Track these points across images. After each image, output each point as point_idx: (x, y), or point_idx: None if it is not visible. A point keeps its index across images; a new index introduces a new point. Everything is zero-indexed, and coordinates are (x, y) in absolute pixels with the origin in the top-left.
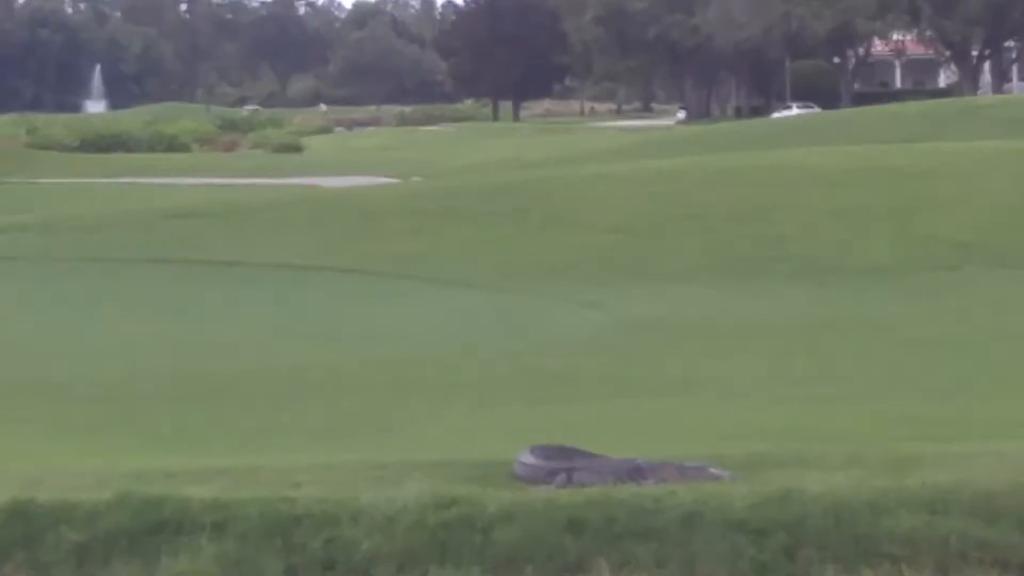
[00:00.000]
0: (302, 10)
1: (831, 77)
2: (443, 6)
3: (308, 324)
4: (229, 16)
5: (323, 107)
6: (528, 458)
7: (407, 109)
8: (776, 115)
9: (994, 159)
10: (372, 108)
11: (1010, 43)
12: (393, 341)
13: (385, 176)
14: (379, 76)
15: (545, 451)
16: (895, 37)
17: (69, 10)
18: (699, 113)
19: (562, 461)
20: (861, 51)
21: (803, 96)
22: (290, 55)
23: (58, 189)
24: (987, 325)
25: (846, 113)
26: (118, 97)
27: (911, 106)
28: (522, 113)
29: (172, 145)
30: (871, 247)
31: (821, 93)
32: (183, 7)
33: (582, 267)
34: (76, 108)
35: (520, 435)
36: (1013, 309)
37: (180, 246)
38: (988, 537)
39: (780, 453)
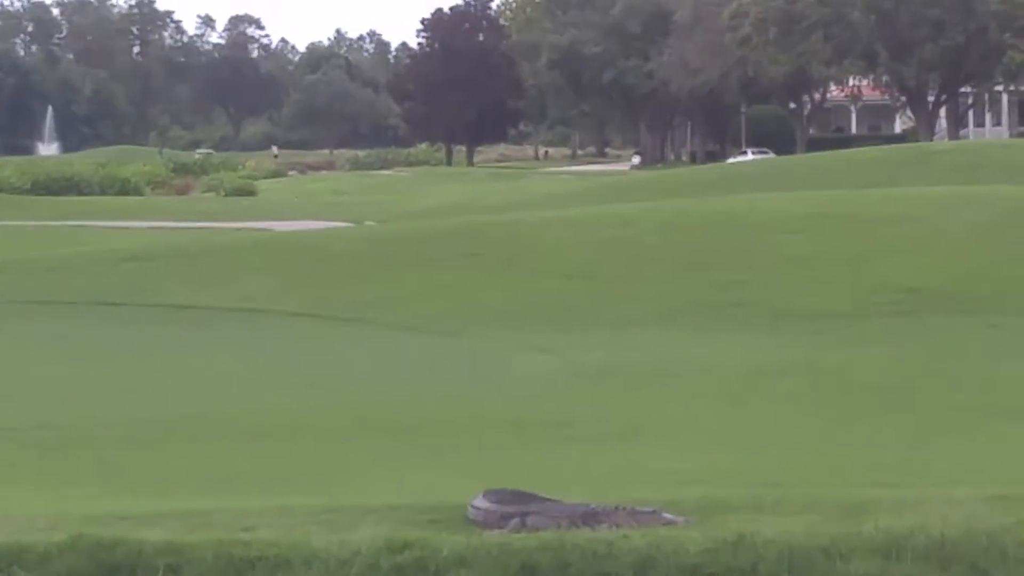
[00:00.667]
0: (255, 53)
1: (786, 123)
2: (397, 49)
3: (261, 368)
4: (182, 59)
5: (276, 151)
6: (482, 502)
7: (361, 153)
8: (731, 160)
9: (948, 204)
10: (326, 152)
11: (966, 89)
12: (346, 385)
13: (338, 220)
14: (333, 120)
15: (499, 495)
16: (851, 82)
17: (21, 52)
18: (654, 158)
19: (516, 505)
20: (817, 96)
21: (758, 142)
22: (243, 98)
23: (8, 232)
24: (941, 371)
25: (801, 159)
26: (70, 140)
27: (866, 152)
28: (476, 158)
29: (124, 188)
30: (825, 292)
31: (776, 139)
32: (135, 49)
33: (536, 312)
34: (28, 150)
35: (474, 479)
36: (966, 355)
37: (132, 289)
38: None
39: (734, 498)
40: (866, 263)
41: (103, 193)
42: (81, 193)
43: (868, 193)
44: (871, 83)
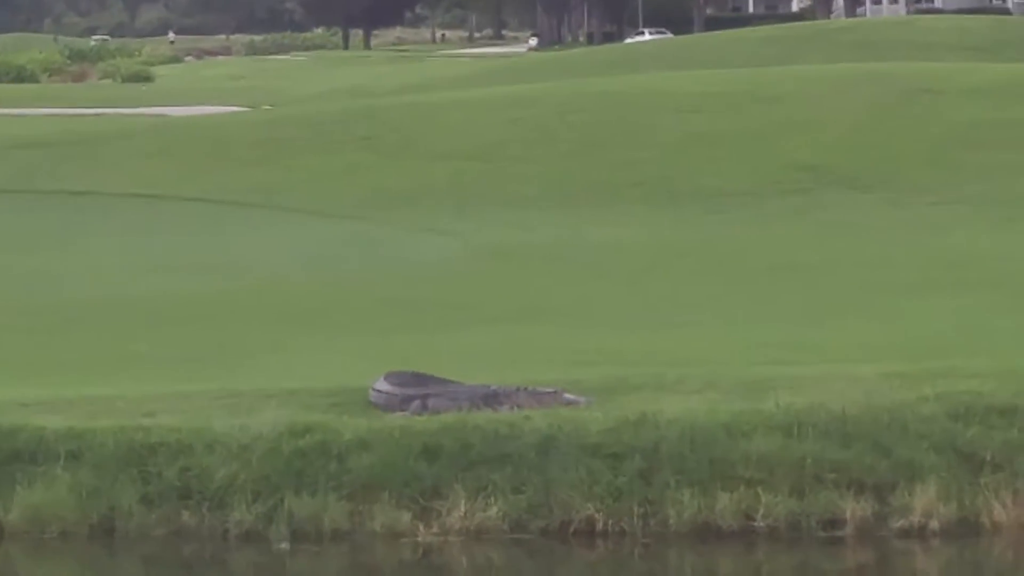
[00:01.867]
0: None
1: (683, 2)
2: None
3: (160, 254)
4: None
5: (172, 36)
6: (383, 385)
7: (257, 38)
8: (629, 41)
9: (846, 82)
10: (222, 37)
11: None
12: (245, 270)
13: (235, 105)
14: (229, 5)
15: (400, 378)
16: None
17: None
18: (551, 40)
19: (417, 388)
20: None
21: (655, 22)
22: None
23: None
24: (839, 249)
25: (698, 38)
26: None
27: (764, 30)
28: (373, 42)
29: (20, 76)
30: (724, 171)
31: (673, 18)
32: None
33: (434, 194)
34: None
35: (375, 363)
36: (864, 233)
37: (28, 176)
38: (843, 459)
39: (636, 377)
40: (764, 142)
41: None
42: None
43: (766, 72)
44: None
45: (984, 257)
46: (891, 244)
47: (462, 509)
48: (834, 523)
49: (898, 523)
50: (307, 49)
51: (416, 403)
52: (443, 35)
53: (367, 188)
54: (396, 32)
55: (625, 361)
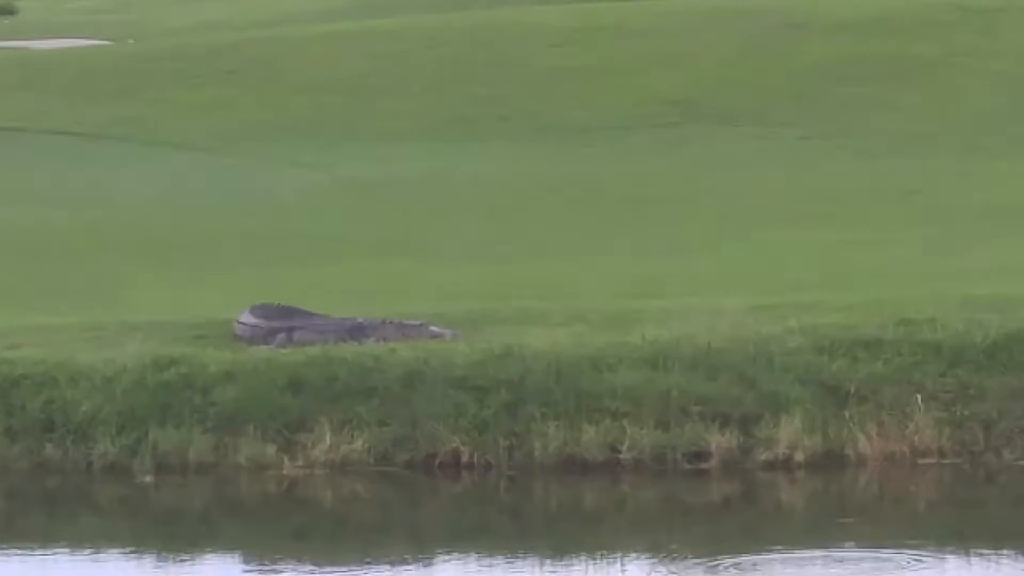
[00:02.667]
0: None
1: None
2: None
3: (23, 187)
4: None
5: None
6: (248, 318)
7: None
8: None
9: (714, 16)
10: None
11: None
12: (110, 204)
13: (100, 39)
14: None
15: (265, 311)
16: None
17: None
18: None
19: (282, 320)
20: None
21: None
22: None
23: None
24: (707, 183)
25: None
26: None
27: None
28: None
29: None
30: (592, 106)
31: None
32: None
33: (300, 128)
34: None
35: (240, 295)
36: (733, 166)
37: None
38: (709, 391)
39: (501, 311)
40: (633, 75)
41: None
42: None
43: (634, 5)
44: None
45: (850, 191)
46: (758, 178)
47: (327, 442)
48: (699, 455)
49: (763, 455)
50: None
51: (282, 336)
52: None
53: (232, 121)
54: None
55: (491, 294)
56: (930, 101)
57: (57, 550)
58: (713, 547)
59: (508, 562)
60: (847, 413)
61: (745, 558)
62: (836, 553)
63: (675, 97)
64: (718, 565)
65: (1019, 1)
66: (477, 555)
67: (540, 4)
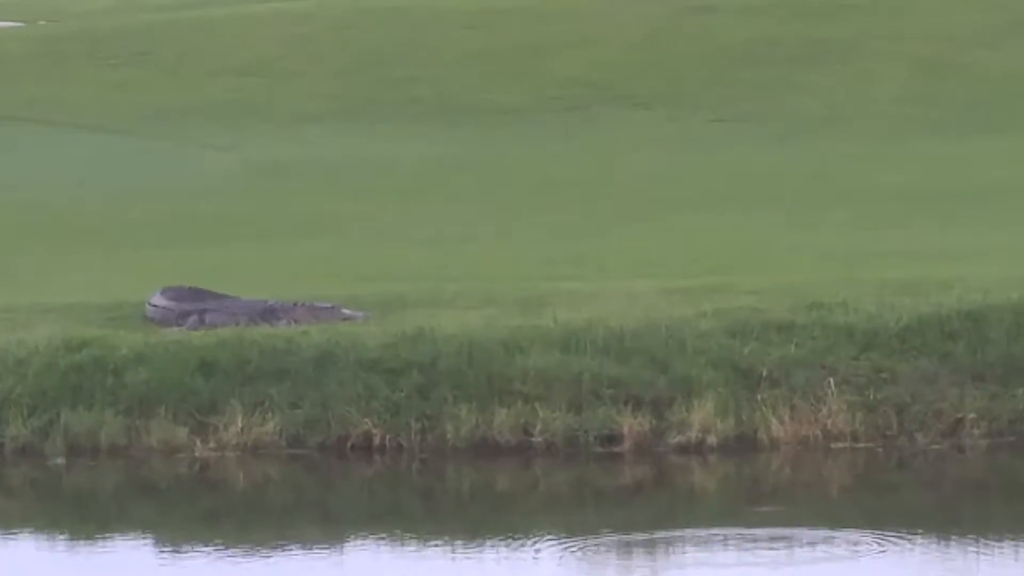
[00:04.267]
0: None
1: None
2: None
3: None
4: None
5: None
6: (159, 300)
7: None
8: None
9: None
10: None
11: None
12: (19, 185)
13: (8, 20)
14: None
15: (177, 293)
16: None
17: None
18: None
19: (194, 303)
20: None
21: None
22: None
23: None
24: (618, 165)
25: None
26: None
27: None
28: None
29: None
30: (501, 88)
31: None
32: None
33: (211, 110)
34: None
35: (152, 278)
36: (641, 148)
37: None
38: (621, 375)
39: (413, 293)
40: (542, 58)
41: None
42: None
43: None
44: None
45: (761, 174)
46: (669, 161)
47: (239, 424)
48: (611, 439)
49: (675, 439)
50: None
51: (193, 318)
52: None
53: (143, 103)
54: None
55: (403, 277)
56: (842, 84)
57: None
58: (626, 529)
59: (421, 545)
60: (760, 397)
61: (658, 535)
62: (747, 531)
63: (586, 79)
64: (630, 544)
65: None
66: (389, 538)
67: None
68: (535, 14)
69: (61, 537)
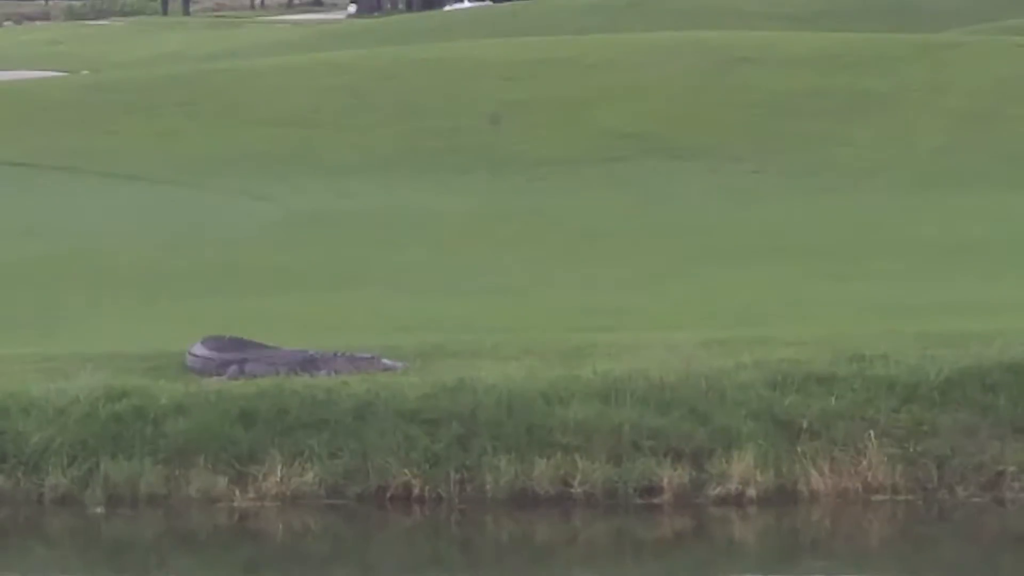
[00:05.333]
0: None
1: None
2: None
3: None
4: None
5: None
6: (200, 350)
7: (76, 3)
8: (448, 8)
9: (664, 50)
10: (41, 2)
11: None
12: (64, 235)
13: (54, 70)
14: None
15: (217, 342)
16: None
17: None
18: (370, 7)
19: (234, 352)
20: None
21: None
22: None
23: None
24: (659, 217)
25: (519, 5)
26: None
27: None
28: (192, 7)
29: None
30: (543, 139)
31: None
32: None
33: (253, 160)
34: None
35: (192, 327)
36: (685, 200)
37: None
38: (661, 426)
39: (453, 344)
40: (584, 109)
41: None
42: None
43: (586, 39)
44: None
45: (801, 226)
46: (710, 212)
47: (278, 474)
48: (651, 490)
49: (715, 490)
50: (126, 15)
51: (233, 368)
52: (262, 1)
53: (185, 153)
54: None
55: (443, 327)
56: (883, 136)
57: None
58: None
59: None
60: (800, 449)
61: None
62: None
63: (627, 131)
64: None
65: (970, 38)
66: None
67: (491, 38)
68: (576, 65)
69: None
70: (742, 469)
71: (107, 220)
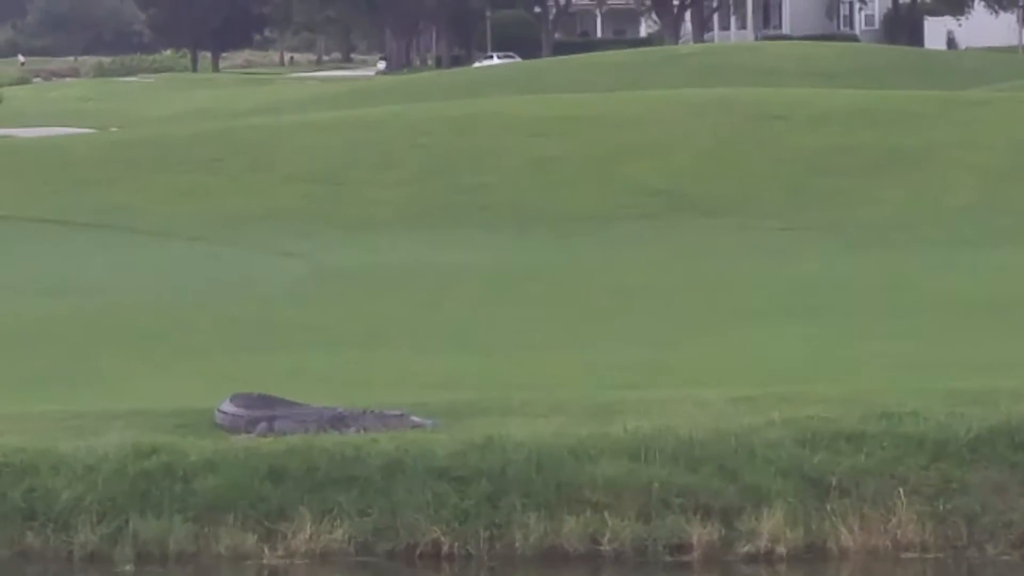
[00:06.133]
0: None
1: (532, 27)
2: None
3: (5, 274)
4: None
5: (21, 58)
6: (229, 407)
7: (106, 60)
8: (477, 65)
9: (694, 107)
10: (71, 59)
11: None
12: (91, 291)
13: (83, 127)
14: (77, 26)
15: (246, 399)
16: None
17: None
18: (400, 64)
19: (263, 410)
20: (562, 0)
21: (504, 46)
22: None
23: None
24: (688, 274)
25: (547, 63)
26: None
27: (612, 55)
28: (221, 64)
29: None
30: (573, 195)
31: (522, 43)
32: None
33: (282, 216)
34: None
35: (221, 384)
36: (714, 257)
37: None
38: (690, 483)
39: (483, 401)
40: (614, 166)
41: None
42: None
43: (615, 96)
44: None
45: (831, 283)
46: (739, 269)
47: (308, 531)
48: (681, 547)
49: (745, 548)
50: (156, 71)
51: (262, 425)
52: (292, 58)
53: (215, 210)
54: (245, 54)
55: (472, 384)
56: (912, 193)
57: None
58: None
59: None
60: (829, 506)
61: None
62: None
63: (657, 187)
64: None
65: (999, 95)
66: None
67: (520, 95)
68: (606, 122)
69: None
70: (772, 526)
71: (136, 276)
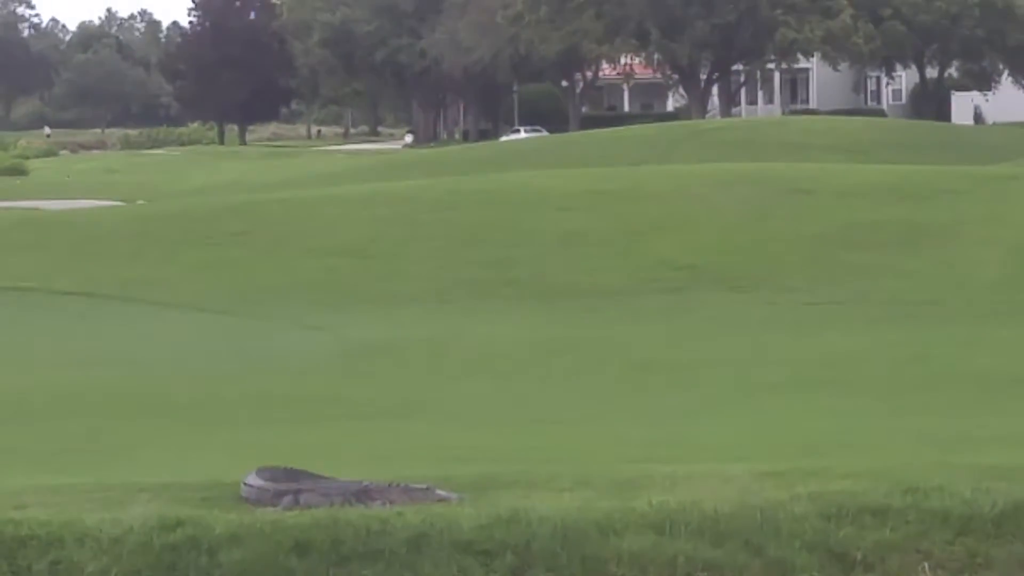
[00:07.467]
0: (25, 32)
1: (559, 101)
2: (168, 28)
3: (31, 347)
4: None
5: (48, 130)
6: (255, 480)
7: (132, 132)
8: (504, 139)
9: (721, 181)
10: (97, 131)
11: (738, 67)
12: (117, 364)
13: (110, 199)
14: (104, 99)
15: (272, 473)
16: (623, 61)
17: None
18: (427, 137)
19: (289, 483)
20: (589, 74)
21: (531, 120)
22: (13, 77)
23: None
24: (714, 348)
25: (574, 136)
26: None
27: (639, 129)
28: (249, 137)
29: None
30: (598, 269)
31: (549, 117)
32: None
33: (309, 290)
34: None
35: (247, 457)
36: (740, 332)
37: None
38: (715, 558)
39: (508, 474)
40: (640, 240)
41: None
42: None
43: (641, 170)
44: (643, 61)
45: (857, 357)
46: (765, 343)
47: None
48: None
49: None
50: (182, 144)
51: (288, 498)
52: (319, 131)
53: (240, 283)
54: (272, 128)
55: (497, 458)
56: (939, 268)
57: None
58: None
59: None
60: None
61: None
62: None
63: (682, 262)
64: None
65: None
66: None
67: (547, 169)
68: (632, 196)
69: None
70: None
71: (162, 349)
